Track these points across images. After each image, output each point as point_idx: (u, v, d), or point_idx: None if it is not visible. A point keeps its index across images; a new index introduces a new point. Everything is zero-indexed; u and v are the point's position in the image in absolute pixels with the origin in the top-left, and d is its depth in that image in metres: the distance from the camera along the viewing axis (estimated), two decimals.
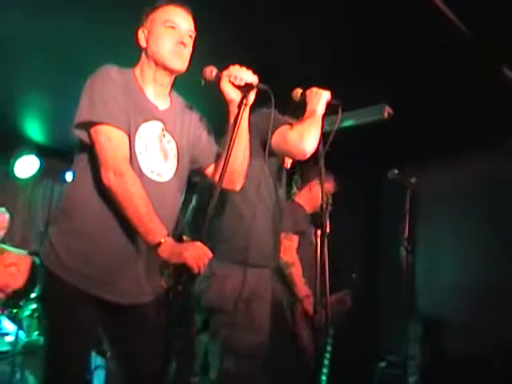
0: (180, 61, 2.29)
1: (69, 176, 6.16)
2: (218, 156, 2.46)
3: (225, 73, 2.29)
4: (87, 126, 2.18)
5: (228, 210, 2.77)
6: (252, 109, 2.31)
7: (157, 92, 2.34)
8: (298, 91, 2.66)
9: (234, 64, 2.30)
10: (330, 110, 2.66)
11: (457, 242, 5.36)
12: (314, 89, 2.69)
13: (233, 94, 2.29)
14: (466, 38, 3.60)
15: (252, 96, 2.29)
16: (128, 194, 2.11)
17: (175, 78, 2.37)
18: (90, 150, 2.20)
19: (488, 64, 3.92)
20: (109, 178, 2.12)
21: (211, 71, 2.31)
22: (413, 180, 3.34)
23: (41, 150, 6.09)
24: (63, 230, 2.22)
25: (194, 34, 2.33)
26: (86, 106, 2.18)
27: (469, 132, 4.89)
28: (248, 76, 2.27)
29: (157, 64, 2.30)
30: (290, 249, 3.67)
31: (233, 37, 3.82)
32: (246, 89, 2.25)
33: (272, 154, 2.72)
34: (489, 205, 5.19)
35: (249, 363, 2.63)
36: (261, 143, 2.67)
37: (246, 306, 2.67)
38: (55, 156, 6.03)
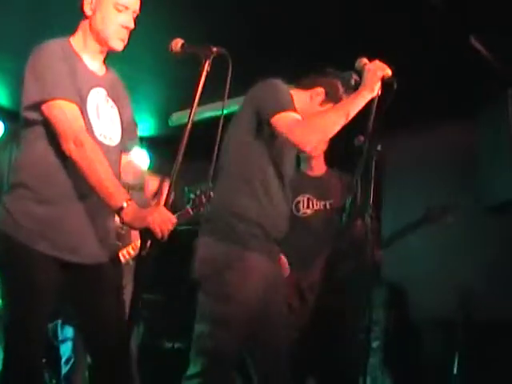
0: (121, 43, 2.36)
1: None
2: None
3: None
4: (38, 104, 2.21)
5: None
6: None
7: (94, 59, 2.39)
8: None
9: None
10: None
11: (423, 209, 5.43)
12: (370, 65, 2.49)
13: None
14: (435, 6, 3.62)
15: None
16: (88, 162, 2.15)
17: None
18: (40, 124, 2.24)
19: (457, 34, 3.94)
20: (70, 148, 2.16)
21: (176, 43, 2.33)
22: (378, 147, 3.35)
23: (5, 114, 5.98)
24: (20, 197, 2.25)
25: (137, 14, 2.38)
26: (33, 86, 2.22)
27: (440, 100, 4.91)
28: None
29: (99, 40, 2.35)
30: None
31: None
32: (205, 55, 2.26)
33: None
34: (458, 173, 5.25)
35: (221, 330, 2.57)
36: (258, 122, 2.62)
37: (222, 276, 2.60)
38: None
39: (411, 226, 3.83)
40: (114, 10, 2.31)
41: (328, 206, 3.77)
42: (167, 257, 3.53)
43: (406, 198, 5.60)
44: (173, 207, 2.22)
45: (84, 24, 2.36)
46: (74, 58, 2.32)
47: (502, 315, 4.68)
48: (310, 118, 2.60)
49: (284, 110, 2.57)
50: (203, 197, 3.25)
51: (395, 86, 2.42)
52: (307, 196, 3.74)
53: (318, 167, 3.85)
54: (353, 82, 2.72)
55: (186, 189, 4.76)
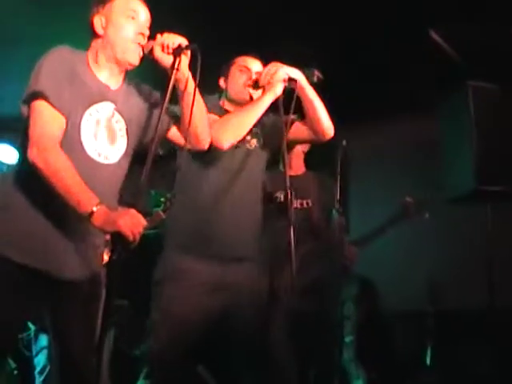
0: (136, 56, 2.30)
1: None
2: (178, 118, 2.49)
3: (154, 43, 2.30)
4: (30, 101, 2.16)
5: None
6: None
7: (111, 73, 2.33)
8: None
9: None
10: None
11: (390, 203, 5.46)
12: (268, 67, 2.67)
13: (166, 62, 2.29)
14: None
15: (185, 58, 2.29)
16: (52, 169, 2.09)
17: None
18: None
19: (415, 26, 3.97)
20: (32, 153, 2.10)
21: (147, 46, 2.32)
22: (343, 142, 3.36)
23: None
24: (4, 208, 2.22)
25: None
26: (32, 82, 2.17)
27: (401, 94, 4.95)
28: (175, 39, 2.28)
29: (113, 55, 2.29)
30: None
31: None
32: (176, 52, 2.26)
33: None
34: (420, 166, 5.29)
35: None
36: None
37: None
38: None
39: (387, 224, 3.80)
40: (127, 18, 2.29)
41: (305, 205, 3.75)
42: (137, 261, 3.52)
43: (370, 192, 5.63)
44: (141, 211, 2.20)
45: (95, 42, 2.33)
46: (85, 71, 2.29)
47: (467, 305, 4.74)
48: (225, 118, 2.71)
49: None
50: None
51: (296, 86, 2.62)
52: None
53: (297, 167, 3.83)
54: (315, 79, 2.72)
55: (153, 192, 4.71)
